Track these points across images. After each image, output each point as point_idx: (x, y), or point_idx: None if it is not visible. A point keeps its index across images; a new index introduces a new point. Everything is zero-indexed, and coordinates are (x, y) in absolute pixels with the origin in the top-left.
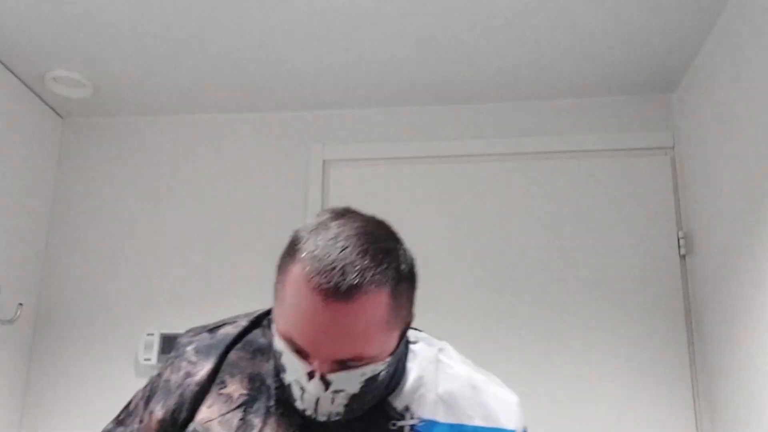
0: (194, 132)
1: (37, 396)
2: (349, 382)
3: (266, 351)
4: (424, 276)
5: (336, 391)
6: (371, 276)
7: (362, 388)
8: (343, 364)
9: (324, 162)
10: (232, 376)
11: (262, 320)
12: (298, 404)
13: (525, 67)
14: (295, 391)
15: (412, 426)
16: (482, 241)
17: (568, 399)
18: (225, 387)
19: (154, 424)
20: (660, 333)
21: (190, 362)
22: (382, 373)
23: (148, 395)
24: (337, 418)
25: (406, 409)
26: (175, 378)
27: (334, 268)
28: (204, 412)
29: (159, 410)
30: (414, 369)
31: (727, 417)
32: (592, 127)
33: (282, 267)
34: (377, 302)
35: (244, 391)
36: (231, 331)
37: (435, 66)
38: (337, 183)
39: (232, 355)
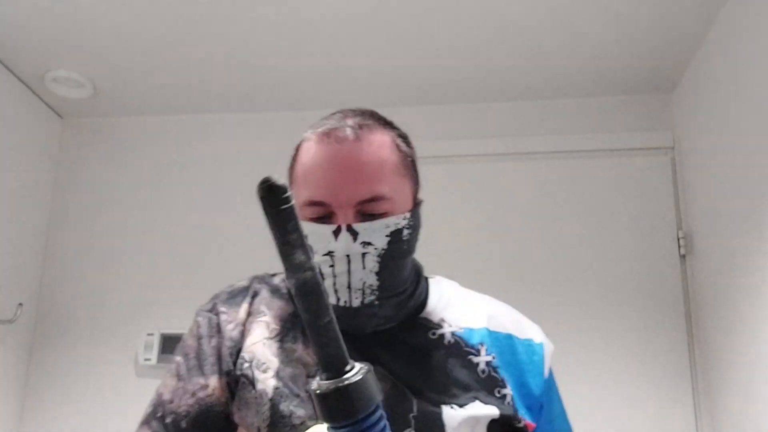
0: (194, 132)
1: (37, 396)
2: (375, 233)
3: (290, 295)
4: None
5: (364, 244)
6: (374, 122)
7: (389, 244)
8: (365, 216)
9: None
10: (269, 308)
11: (268, 277)
12: (329, 286)
13: (525, 68)
14: (325, 271)
15: (452, 332)
16: (481, 241)
17: (568, 399)
18: (264, 315)
19: (220, 383)
20: (660, 333)
21: (223, 313)
22: (405, 231)
23: (192, 365)
24: (371, 298)
25: (442, 320)
26: (212, 335)
27: (339, 124)
28: (248, 340)
29: (216, 368)
30: (438, 289)
31: (727, 416)
32: (592, 127)
33: (292, 161)
34: (383, 143)
35: (276, 326)
36: (244, 284)
37: (434, 66)
38: None
39: (263, 293)
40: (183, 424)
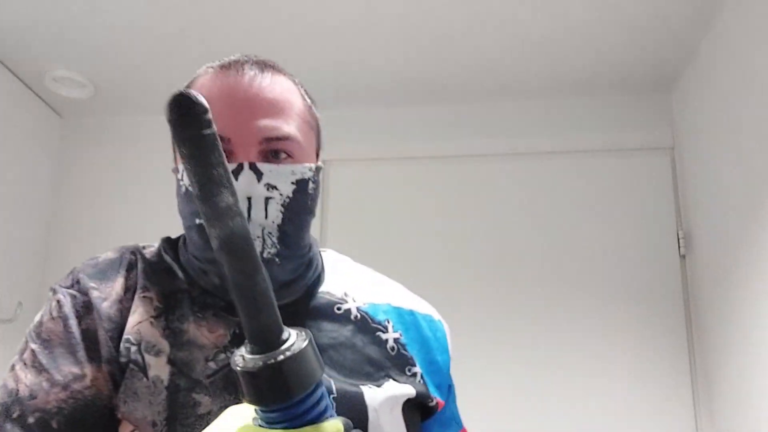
0: None
1: None
2: (280, 177)
3: (171, 269)
4: (423, 275)
5: (269, 187)
6: (278, 66)
7: (295, 193)
8: (268, 158)
9: (324, 161)
10: (152, 283)
11: (139, 250)
12: None
13: (524, 67)
14: None
15: (357, 308)
16: (481, 241)
17: (568, 398)
18: (148, 291)
19: (101, 372)
20: (660, 333)
21: (93, 288)
22: (311, 184)
23: (58, 353)
24: (272, 252)
25: (345, 294)
26: (81, 315)
27: (241, 58)
28: (133, 319)
29: (94, 354)
30: (332, 262)
31: (726, 416)
32: (591, 127)
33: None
34: (291, 87)
35: (160, 304)
36: (112, 255)
37: (434, 66)
38: (336, 183)
39: (141, 265)
40: (54, 424)
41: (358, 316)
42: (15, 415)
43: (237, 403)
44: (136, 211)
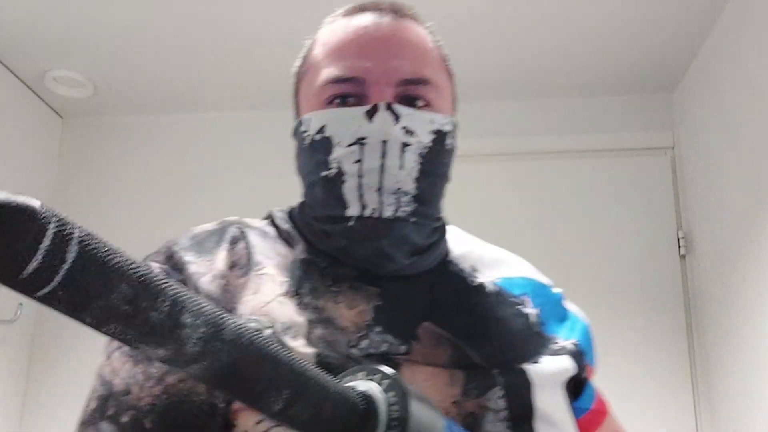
0: (194, 132)
1: (38, 396)
2: (419, 123)
3: (289, 239)
4: None
5: (407, 131)
6: (416, 13)
7: (433, 143)
8: (406, 103)
9: None
10: (269, 257)
11: (244, 223)
12: (350, 190)
13: (525, 67)
14: (348, 168)
15: (492, 282)
16: (481, 240)
17: None
18: (264, 268)
19: None
20: (660, 333)
21: (190, 263)
22: (448, 139)
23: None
24: (407, 210)
25: (473, 268)
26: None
27: (372, 1)
28: (254, 300)
29: None
30: (455, 234)
31: (726, 416)
32: (592, 127)
33: (302, 59)
34: (426, 34)
35: (284, 279)
36: (210, 227)
37: None
38: None
39: (252, 237)
40: (147, 424)
41: (494, 290)
42: (110, 413)
43: None
44: (136, 211)
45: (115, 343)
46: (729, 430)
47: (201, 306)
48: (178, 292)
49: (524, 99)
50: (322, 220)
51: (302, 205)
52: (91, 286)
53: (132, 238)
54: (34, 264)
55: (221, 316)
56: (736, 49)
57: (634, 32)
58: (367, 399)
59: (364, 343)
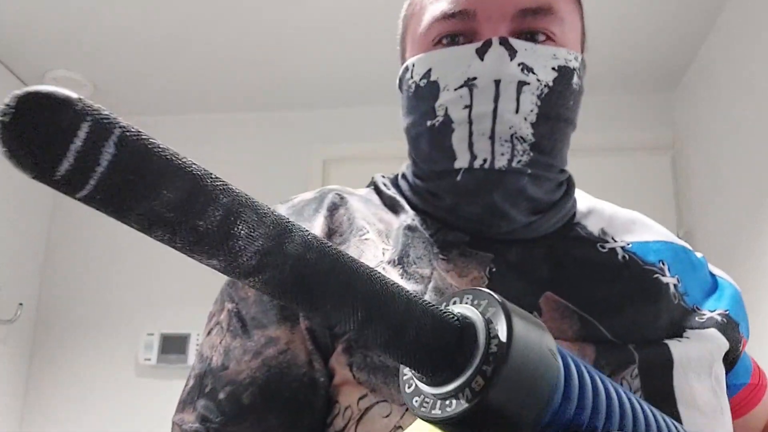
0: (194, 132)
1: (37, 396)
2: (539, 59)
3: (393, 205)
4: None
5: (524, 68)
6: None
7: (556, 82)
8: (525, 37)
9: (324, 161)
10: (371, 223)
11: (344, 190)
12: (460, 139)
13: None
14: (457, 114)
15: (623, 247)
16: None
17: None
18: (367, 233)
19: (296, 332)
20: None
21: None
22: (576, 78)
23: (253, 313)
24: (523, 160)
25: (603, 232)
26: None
27: None
28: None
29: (284, 312)
30: (583, 197)
31: None
32: (592, 125)
33: (409, 1)
34: None
35: (388, 246)
36: (308, 195)
37: None
38: (337, 182)
39: (353, 203)
40: (245, 399)
41: (626, 257)
42: (207, 389)
43: None
44: None
45: (214, 319)
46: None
47: (263, 215)
48: (235, 200)
49: None
50: (428, 178)
51: (407, 169)
52: (130, 192)
53: (132, 238)
54: (65, 165)
55: (287, 227)
56: (736, 49)
57: (635, 32)
58: (462, 321)
59: None
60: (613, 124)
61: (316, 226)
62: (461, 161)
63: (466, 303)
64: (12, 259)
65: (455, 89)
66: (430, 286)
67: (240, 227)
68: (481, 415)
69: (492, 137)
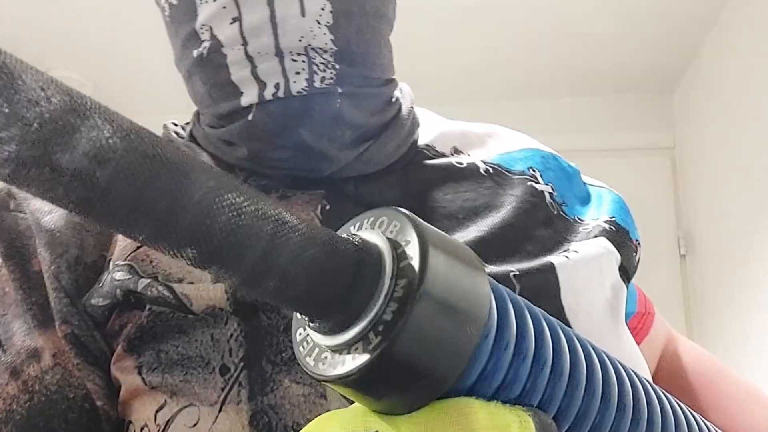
0: None
1: None
2: None
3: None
4: None
5: None
6: None
7: None
8: None
9: None
10: None
11: None
12: (242, 72)
13: (525, 67)
14: (225, 34)
15: (483, 160)
16: None
17: None
18: None
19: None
20: None
21: (25, 200)
22: None
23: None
24: (329, 76)
25: (456, 150)
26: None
27: None
28: (126, 238)
29: (55, 307)
30: (428, 120)
31: None
32: (592, 127)
33: None
34: None
35: None
36: None
37: (434, 66)
38: None
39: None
40: None
41: (489, 169)
42: None
43: None
44: None
45: None
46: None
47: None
48: None
49: (524, 99)
50: (216, 124)
51: (198, 115)
52: None
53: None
54: None
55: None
56: (737, 50)
57: (636, 32)
58: (362, 247)
59: None
60: (613, 126)
61: None
62: (248, 95)
63: (367, 228)
64: None
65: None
66: None
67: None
68: (386, 372)
69: (279, 54)
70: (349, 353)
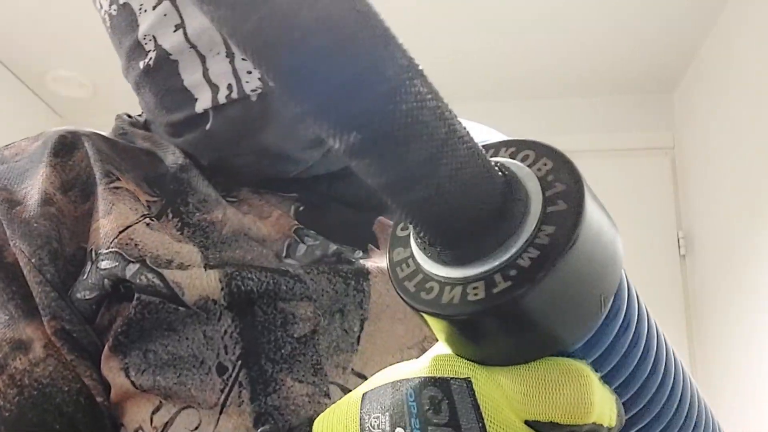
0: None
1: None
2: None
3: (151, 141)
4: None
5: None
6: None
7: None
8: None
9: None
10: (120, 170)
11: (80, 130)
12: (193, 76)
13: (525, 67)
14: (171, 45)
15: None
16: None
17: None
18: (118, 181)
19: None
20: None
21: (2, 189)
22: None
23: None
24: (255, 85)
25: None
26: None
27: None
28: (107, 225)
29: (41, 298)
30: None
31: (726, 415)
32: (592, 127)
33: None
34: None
35: (151, 198)
36: (24, 143)
37: (434, 65)
38: None
39: (94, 142)
40: None
41: None
42: None
43: (355, 304)
44: None
45: None
46: (729, 428)
47: None
48: None
49: (524, 99)
50: (173, 133)
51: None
52: None
53: None
54: None
55: None
56: (736, 49)
57: (636, 33)
58: (508, 176)
59: (302, 249)
60: (613, 126)
61: (40, 179)
62: (203, 100)
63: (505, 157)
64: None
65: (153, 7)
66: (224, 232)
67: None
68: (502, 320)
69: (230, 55)
70: (464, 289)
